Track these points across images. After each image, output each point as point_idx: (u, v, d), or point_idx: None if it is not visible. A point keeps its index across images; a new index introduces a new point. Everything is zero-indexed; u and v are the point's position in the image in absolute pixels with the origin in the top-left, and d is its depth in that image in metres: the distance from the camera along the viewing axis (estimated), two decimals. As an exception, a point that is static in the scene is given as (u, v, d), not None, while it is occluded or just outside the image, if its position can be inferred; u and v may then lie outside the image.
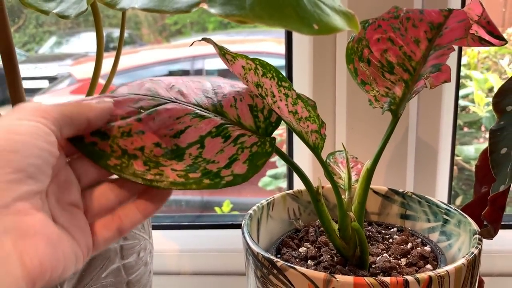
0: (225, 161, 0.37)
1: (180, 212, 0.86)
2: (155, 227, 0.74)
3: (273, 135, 0.41)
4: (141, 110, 0.37)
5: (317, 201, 0.44)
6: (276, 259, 0.40)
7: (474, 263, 0.41)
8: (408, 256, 0.47)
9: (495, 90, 0.50)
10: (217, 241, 0.73)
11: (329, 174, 0.43)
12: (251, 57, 0.40)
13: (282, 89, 0.40)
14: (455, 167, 1.01)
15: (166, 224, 0.76)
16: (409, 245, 0.48)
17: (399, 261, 0.46)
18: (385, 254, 0.47)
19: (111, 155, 0.34)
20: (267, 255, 0.40)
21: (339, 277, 0.37)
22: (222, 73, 1.20)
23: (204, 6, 0.32)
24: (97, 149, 0.34)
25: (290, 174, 0.73)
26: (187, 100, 0.40)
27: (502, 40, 0.46)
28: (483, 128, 1.10)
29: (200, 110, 0.39)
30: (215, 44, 0.41)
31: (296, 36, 0.65)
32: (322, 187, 0.54)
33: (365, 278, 0.37)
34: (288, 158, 0.42)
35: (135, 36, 1.22)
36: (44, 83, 1.19)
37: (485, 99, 1.05)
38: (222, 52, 0.41)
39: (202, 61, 1.25)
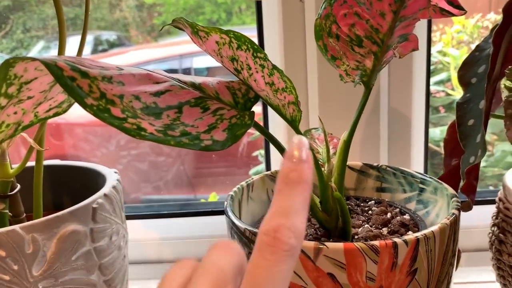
0: (204, 127, 0.34)
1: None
2: (134, 217, 0.70)
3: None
4: (121, 69, 0.34)
5: (298, 175, 0.41)
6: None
7: (456, 223, 0.39)
8: (389, 225, 0.44)
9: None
10: (197, 228, 0.69)
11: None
12: (224, 29, 0.37)
13: (258, 60, 0.37)
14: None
15: (145, 214, 0.71)
16: (389, 215, 0.46)
17: (381, 230, 0.43)
18: (366, 225, 0.44)
19: (89, 94, 0.30)
20: (255, 230, 0.37)
21: (329, 245, 0.34)
22: (211, 71, 1.16)
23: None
24: (75, 85, 0.30)
25: (268, 156, 0.70)
26: (166, 74, 0.36)
27: (461, 10, 0.45)
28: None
29: (179, 82, 0.36)
30: (185, 22, 0.38)
31: (266, 17, 0.63)
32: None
33: (355, 243, 0.34)
34: (266, 132, 0.39)
35: (123, 37, 1.17)
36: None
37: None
38: (195, 30, 0.38)
39: (190, 59, 1.21)
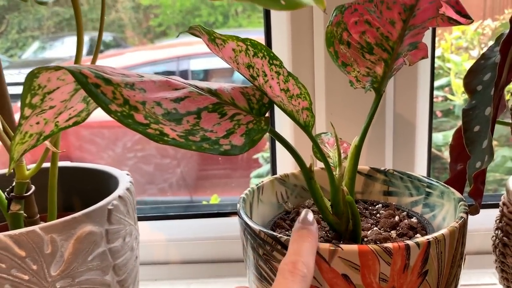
0: (222, 132, 0.35)
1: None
2: (142, 218, 0.71)
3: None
4: (142, 76, 0.35)
5: (310, 178, 0.42)
6: (279, 235, 0.37)
7: (464, 226, 0.40)
8: (397, 228, 0.45)
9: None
10: (204, 230, 0.70)
11: (320, 150, 0.42)
12: (241, 38, 0.38)
13: (274, 67, 0.38)
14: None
15: (153, 215, 0.73)
16: (397, 218, 0.47)
17: (390, 233, 0.44)
18: (375, 228, 0.45)
19: (112, 101, 0.31)
20: (270, 232, 0.38)
21: (344, 247, 0.35)
22: (207, 73, 1.16)
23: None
24: (100, 92, 0.31)
25: (274, 160, 0.71)
26: (184, 81, 0.37)
27: (469, 19, 0.46)
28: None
29: (197, 89, 0.37)
30: (202, 29, 0.39)
31: (274, 23, 0.64)
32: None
33: (369, 245, 0.35)
34: (282, 137, 0.40)
35: (119, 39, 1.17)
36: (28, 89, 1.09)
37: (462, 87, 1.05)
38: (212, 37, 0.39)
39: (187, 62, 1.21)
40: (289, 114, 0.40)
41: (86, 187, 0.57)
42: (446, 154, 1.02)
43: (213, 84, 0.40)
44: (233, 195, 1.23)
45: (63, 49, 1.20)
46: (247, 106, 0.39)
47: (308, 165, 0.41)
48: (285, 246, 0.37)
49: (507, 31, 0.44)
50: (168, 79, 0.37)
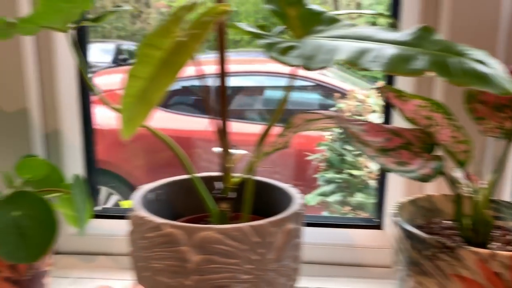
0: (417, 165, 0.48)
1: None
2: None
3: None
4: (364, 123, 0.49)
5: (459, 204, 0.55)
6: (446, 241, 0.50)
7: None
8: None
9: None
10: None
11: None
12: (425, 97, 0.52)
13: (448, 120, 0.52)
14: None
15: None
16: (508, 237, 0.59)
17: (507, 247, 0.57)
18: (493, 243, 0.58)
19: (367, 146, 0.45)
20: (439, 239, 0.51)
21: (499, 253, 0.48)
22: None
23: (432, 74, 0.42)
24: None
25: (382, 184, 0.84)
26: (374, 124, 0.51)
27: None
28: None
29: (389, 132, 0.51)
30: (392, 89, 0.53)
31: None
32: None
33: (518, 252, 0.48)
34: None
35: None
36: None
37: None
38: (399, 95, 0.53)
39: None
40: (450, 153, 0.54)
41: (261, 197, 0.68)
42: None
43: (390, 127, 0.54)
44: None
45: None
46: (421, 146, 0.53)
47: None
48: (451, 249, 0.50)
49: None
50: (371, 124, 0.51)
